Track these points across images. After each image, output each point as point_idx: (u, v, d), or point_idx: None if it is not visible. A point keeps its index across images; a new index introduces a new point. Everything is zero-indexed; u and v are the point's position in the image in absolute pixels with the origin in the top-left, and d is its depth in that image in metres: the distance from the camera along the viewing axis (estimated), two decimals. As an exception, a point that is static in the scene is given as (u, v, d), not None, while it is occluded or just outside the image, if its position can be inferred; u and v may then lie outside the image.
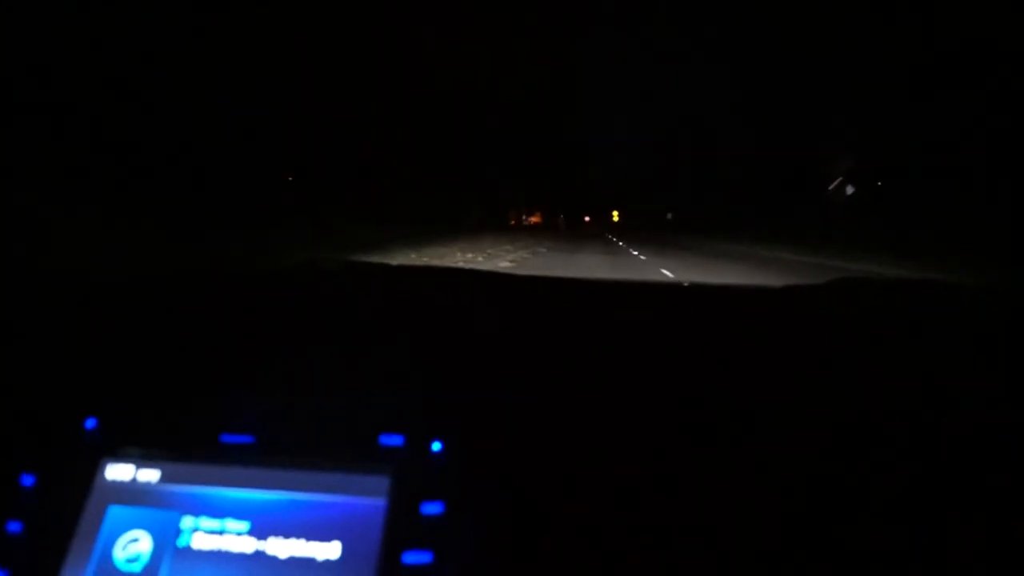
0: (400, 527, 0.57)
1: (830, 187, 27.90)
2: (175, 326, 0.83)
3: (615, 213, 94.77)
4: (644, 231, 55.69)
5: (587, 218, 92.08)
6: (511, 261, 12.42)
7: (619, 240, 31.64)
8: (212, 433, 0.62)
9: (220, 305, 0.93)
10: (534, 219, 67.80)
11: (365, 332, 0.83)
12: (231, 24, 14.77)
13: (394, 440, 0.61)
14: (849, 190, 26.96)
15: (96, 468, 0.61)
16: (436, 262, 9.97)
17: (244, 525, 0.58)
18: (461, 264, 9.69)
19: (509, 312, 0.96)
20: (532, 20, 35.29)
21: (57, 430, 0.63)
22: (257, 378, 0.70)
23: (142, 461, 0.61)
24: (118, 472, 0.61)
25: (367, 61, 20.23)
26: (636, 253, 18.21)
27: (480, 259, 12.32)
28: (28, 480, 0.61)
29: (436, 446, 0.60)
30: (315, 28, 18.01)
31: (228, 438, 0.62)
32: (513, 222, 59.95)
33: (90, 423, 0.63)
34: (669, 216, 66.87)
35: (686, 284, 1.41)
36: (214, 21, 14.34)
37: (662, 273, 10.89)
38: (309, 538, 0.57)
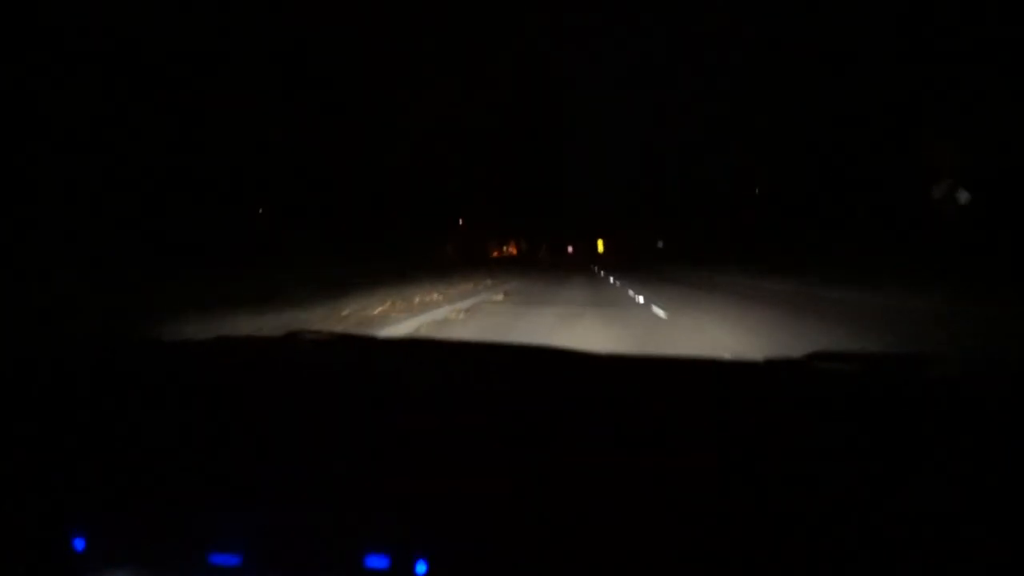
0: None
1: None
2: (158, 427, 0.83)
3: (600, 242, 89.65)
4: (635, 263, 50.41)
5: (570, 248, 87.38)
6: (466, 311, 10.94)
7: (609, 276, 27.51)
8: (200, 553, 0.63)
9: (202, 401, 0.93)
10: (512, 250, 62.16)
11: (350, 427, 0.83)
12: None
13: (379, 561, 0.62)
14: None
15: None
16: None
17: None
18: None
19: (496, 398, 0.98)
20: (509, 38, 33.01)
21: (45, 551, 0.65)
22: (243, 489, 0.71)
23: None
24: None
25: (341, 93, 19.21)
26: (639, 299, 13.58)
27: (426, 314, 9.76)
28: None
29: (421, 567, 0.62)
30: (293, 54, 17.03)
31: (217, 559, 0.63)
32: (496, 253, 56.20)
33: (79, 544, 0.64)
34: (660, 244, 61.87)
35: (673, 358, 1.39)
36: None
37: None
38: None
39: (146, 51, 12.24)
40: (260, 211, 20.28)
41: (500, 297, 14.74)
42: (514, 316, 10.44)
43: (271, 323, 6.93)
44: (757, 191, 37.77)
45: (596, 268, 41.62)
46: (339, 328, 6.74)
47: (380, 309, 9.86)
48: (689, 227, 57.84)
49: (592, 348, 1.36)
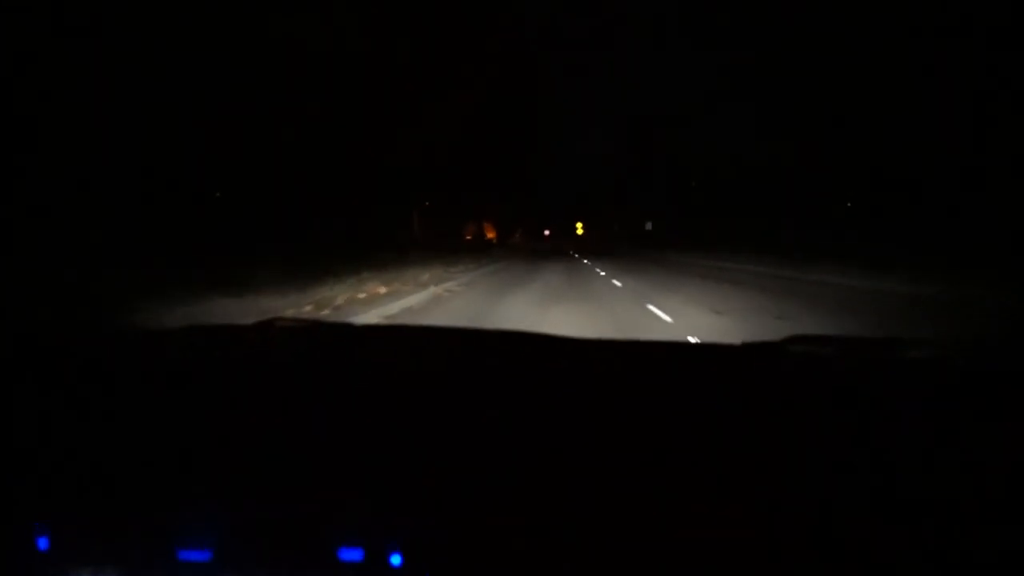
0: None
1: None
2: (124, 420, 0.83)
3: (579, 225, 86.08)
4: (620, 250, 46.71)
5: (547, 232, 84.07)
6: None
7: (595, 265, 22.24)
8: (169, 549, 0.63)
9: (173, 391, 0.94)
10: (490, 234, 58.35)
11: (321, 418, 0.83)
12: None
13: (353, 554, 0.62)
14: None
15: None
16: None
17: None
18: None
19: (473, 385, 0.99)
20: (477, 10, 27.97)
21: (8, 549, 0.64)
22: (213, 484, 0.70)
23: None
24: None
25: (304, 70, 17.36)
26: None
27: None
28: None
29: (396, 559, 0.62)
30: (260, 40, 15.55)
31: (185, 555, 0.62)
32: (469, 237, 51.88)
33: (42, 543, 0.64)
34: (648, 226, 57.81)
35: (652, 343, 1.43)
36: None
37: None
38: None
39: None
40: (217, 195, 19.10)
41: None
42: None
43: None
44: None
45: (575, 254, 38.19)
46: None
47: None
48: (683, 207, 54.55)
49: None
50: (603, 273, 16.22)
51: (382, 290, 11.30)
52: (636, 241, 55.28)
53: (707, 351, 1.43)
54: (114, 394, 0.92)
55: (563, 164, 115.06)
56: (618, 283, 14.45)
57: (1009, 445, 0.74)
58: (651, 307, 9.48)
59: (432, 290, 12.22)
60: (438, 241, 32.14)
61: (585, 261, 24.25)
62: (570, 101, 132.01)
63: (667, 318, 8.31)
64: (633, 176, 68.70)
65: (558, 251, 45.03)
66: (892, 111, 23.57)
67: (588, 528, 0.64)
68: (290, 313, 7.52)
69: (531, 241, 76.43)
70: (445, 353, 1.28)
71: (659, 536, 0.63)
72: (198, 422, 0.82)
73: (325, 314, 8.22)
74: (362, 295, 10.43)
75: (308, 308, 8.47)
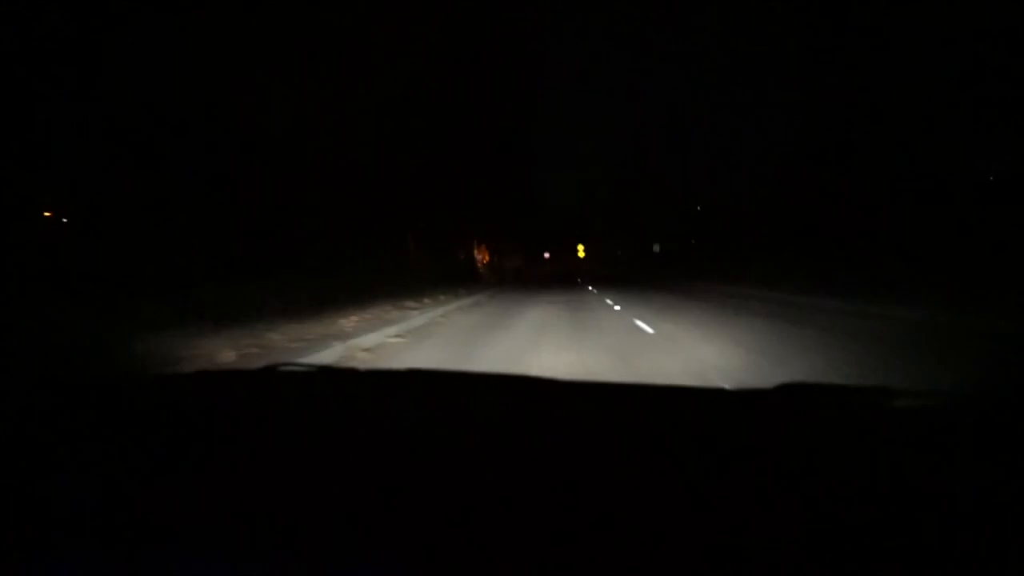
0: None
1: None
2: (138, 466, 0.85)
3: (580, 248, 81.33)
4: (633, 276, 41.79)
5: (547, 255, 79.36)
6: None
7: (622, 306, 16.23)
8: None
9: (182, 439, 0.95)
10: (484, 259, 53.74)
11: (331, 466, 0.85)
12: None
13: None
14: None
15: None
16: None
17: None
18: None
19: (486, 431, 1.01)
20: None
21: None
22: (225, 535, 0.71)
23: None
24: None
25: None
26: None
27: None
28: None
29: None
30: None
31: None
32: (463, 257, 46.52)
33: None
34: (656, 248, 53.01)
35: (644, 385, 1.47)
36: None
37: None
38: None
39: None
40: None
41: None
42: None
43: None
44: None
45: (588, 286, 33.28)
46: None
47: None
48: (697, 229, 49.87)
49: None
50: (650, 330, 9.49)
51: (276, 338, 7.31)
52: (644, 265, 50.26)
53: (698, 396, 1.45)
54: (125, 439, 0.95)
55: (562, 185, 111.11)
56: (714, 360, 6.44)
57: (997, 501, 0.74)
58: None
59: (336, 350, 7.30)
60: (432, 264, 28.77)
61: (607, 300, 17.18)
62: (571, 118, 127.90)
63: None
64: (637, 198, 64.26)
65: (562, 278, 40.15)
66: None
67: (593, 557, 0.65)
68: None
69: (530, 264, 71.86)
70: (454, 397, 1.32)
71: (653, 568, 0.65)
72: (204, 469, 0.84)
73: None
74: (230, 354, 6.49)
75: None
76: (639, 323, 10.42)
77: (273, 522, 0.71)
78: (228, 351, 6.84)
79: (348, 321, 10.28)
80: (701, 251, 45.73)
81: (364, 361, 7.32)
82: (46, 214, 14.40)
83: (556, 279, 37.20)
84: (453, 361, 7.03)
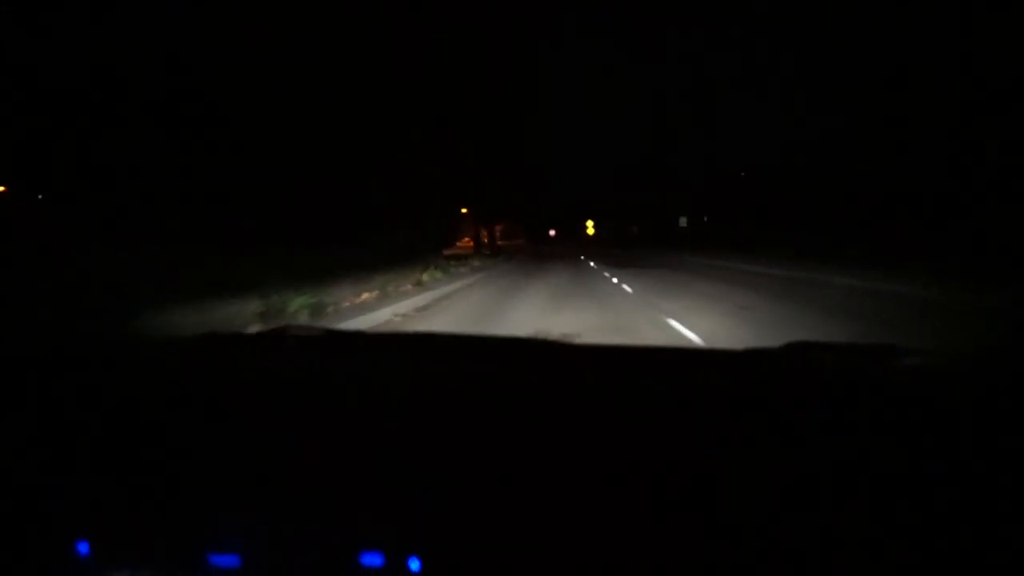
0: None
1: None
2: (155, 429, 0.87)
3: (590, 224, 75.34)
4: (656, 257, 35.68)
5: (552, 232, 73.64)
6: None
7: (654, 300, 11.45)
8: (200, 554, 0.68)
9: (196, 402, 0.98)
10: (466, 241, 48.13)
11: (343, 426, 0.88)
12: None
13: (374, 559, 0.66)
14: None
15: None
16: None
17: None
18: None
19: (490, 393, 1.03)
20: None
21: (50, 554, 0.70)
22: (240, 490, 0.74)
23: None
24: None
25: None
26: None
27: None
28: None
29: (414, 564, 0.65)
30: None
31: (216, 559, 0.67)
32: (469, 241, 44.24)
33: (82, 547, 0.69)
34: (683, 222, 46.74)
35: (653, 348, 1.52)
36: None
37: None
38: None
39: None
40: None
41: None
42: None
43: None
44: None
45: (593, 264, 27.55)
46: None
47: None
48: (725, 202, 43.79)
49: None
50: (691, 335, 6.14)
51: None
52: (665, 241, 44.18)
53: (708, 356, 1.49)
54: (144, 404, 0.97)
55: (570, 156, 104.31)
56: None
57: (1004, 456, 0.74)
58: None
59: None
60: (430, 244, 26.39)
61: (626, 287, 13.37)
62: (582, 85, 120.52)
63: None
64: (657, 168, 58.07)
65: (565, 256, 34.31)
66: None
67: (597, 536, 0.66)
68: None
69: (533, 244, 66.08)
70: (460, 361, 1.33)
71: (663, 545, 0.66)
72: (225, 432, 0.87)
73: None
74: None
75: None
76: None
77: (272, 486, 0.74)
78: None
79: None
80: (738, 226, 39.69)
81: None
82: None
83: (564, 259, 31.56)
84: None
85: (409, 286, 13.54)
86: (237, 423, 0.89)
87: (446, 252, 33.31)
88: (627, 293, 12.35)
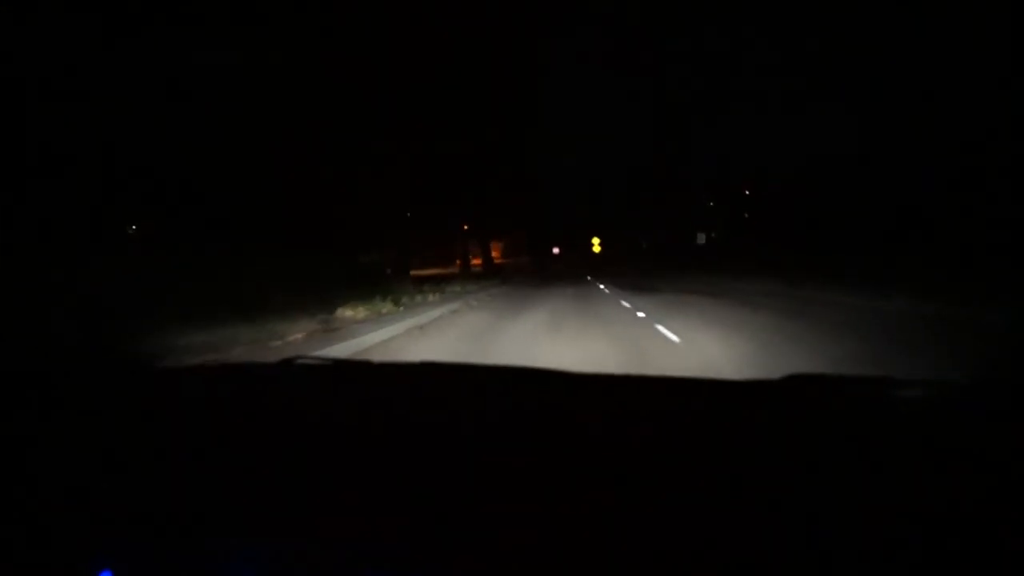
0: None
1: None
2: (171, 458, 0.91)
3: (596, 241, 70.50)
4: (688, 280, 30.93)
5: (556, 250, 68.96)
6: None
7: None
8: None
9: (212, 432, 1.02)
10: (475, 261, 44.07)
11: (351, 451, 0.91)
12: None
13: None
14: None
15: None
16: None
17: None
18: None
19: (501, 423, 1.06)
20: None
21: None
22: (261, 522, 0.76)
23: None
24: None
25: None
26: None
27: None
28: None
29: None
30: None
31: None
32: (476, 259, 40.55)
33: (105, 575, 0.70)
34: (702, 239, 41.44)
35: (655, 378, 1.52)
36: None
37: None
38: None
39: None
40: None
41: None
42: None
43: None
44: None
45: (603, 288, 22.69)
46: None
47: None
48: (742, 216, 38.92)
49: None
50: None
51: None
52: (684, 260, 39.11)
53: (708, 387, 1.43)
54: (160, 433, 1.00)
55: (574, 170, 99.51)
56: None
57: (999, 488, 0.75)
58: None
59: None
60: (424, 265, 27.18)
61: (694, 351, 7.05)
62: (582, 95, 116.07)
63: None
64: (668, 181, 53.32)
65: (569, 277, 29.46)
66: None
67: (601, 565, 0.67)
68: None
69: (536, 262, 61.54)
70: (467, 390, 1.36)
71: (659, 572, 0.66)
72: (237, 461, 0.89)
73: None
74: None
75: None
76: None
77: (286, 512, 0.76)
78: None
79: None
80: (738, 245, 35.05)
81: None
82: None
83: (562, 279, 26.75)
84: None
85: (302, 334, 8.48)
86: (257, 454, 0.91)
87: (423, 273, 28.73)
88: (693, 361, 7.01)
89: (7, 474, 0.88)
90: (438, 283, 19.56)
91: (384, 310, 11.50)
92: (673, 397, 1.28)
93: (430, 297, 15.22)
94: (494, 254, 60.73)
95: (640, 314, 11.36)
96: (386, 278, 15.95)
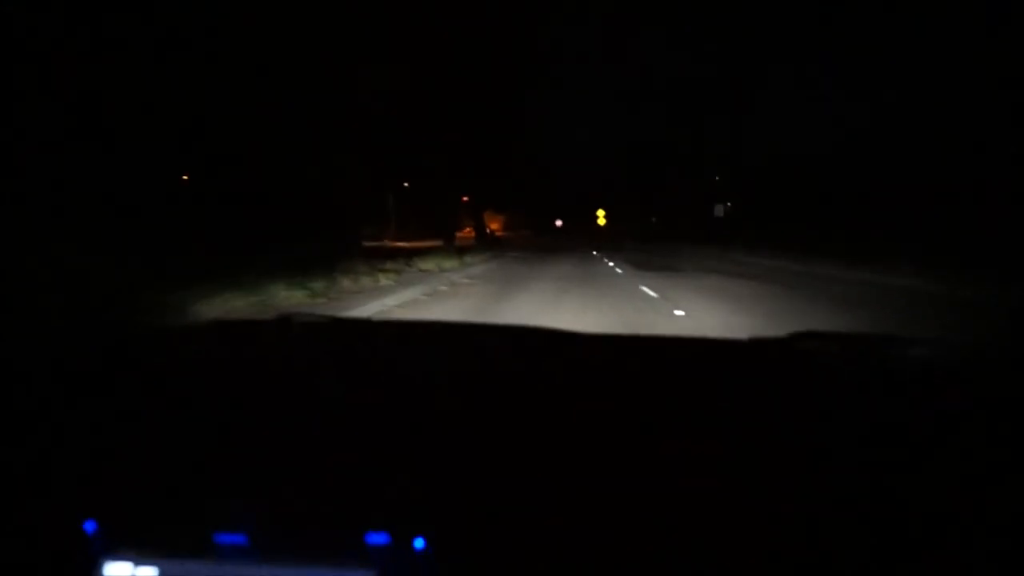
0: None
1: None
2: (163, 413, 0.90)
3: (601, 214, 66.77)
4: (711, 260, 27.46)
5: (559, 223, 65.47)
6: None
7: None
8: (207, 533, 0.68)
9: (205, 386, 1.02)
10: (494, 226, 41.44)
11: (349, 409, 0.91)
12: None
13: (379, 539, 0.66)
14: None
15: (96, 568, 0.68)
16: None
17: None
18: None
19: (494, 379, 1.07)
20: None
21: (58, 532, 0.70)
22: (247, 472, 0.75)
23: (140, 560, 0.68)
24: (117, 571, 0.67)
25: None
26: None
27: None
28: None
29: (419, 543, 0.66)
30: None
31: (222, 538, 0.68)
32: (467, 231, 38.06)
33: (90, 526, 0.69)
34: (719, 211, 35.94)
35: (660, 337, 1.53)
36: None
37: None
38: None
39: None
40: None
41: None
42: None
43: None
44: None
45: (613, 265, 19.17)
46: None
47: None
48: (760, 190, 35.01)
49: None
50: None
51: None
52: (700, 234, 35.25)
53: (714, 346, 1.45)
54: (152, 388, 0.99)
55: (578, 139, 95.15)
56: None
57: (1003, 445, 0.76)
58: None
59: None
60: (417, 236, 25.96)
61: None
62: (590, 63, 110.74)
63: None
64: (677, 151, 49.37)
65: (574, 250, 25.98)
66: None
67: (604, 521, 0.67)
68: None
69: (538, 235, 58.35)
70: (466, 347, 1.35)
71: (666, 532, 0.66)
72: (233, 415, 0.88)
73: None
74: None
75: None
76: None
77: (280, 470, 0.74)
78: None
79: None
80: (758, 218, 31.71)
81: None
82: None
83: (564, 251, 23.34)
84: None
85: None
86: (244, 406, 0.91)
87: (404, 246, 25.70)
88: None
89: None
90: (408, 258, 15.97)
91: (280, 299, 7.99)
92: (683, 355, 1.27)
93: (381, 280, 11.50)
94: (494, 226, 57.74)
95: (678, 311, 7.85)
96: (338, 257, 12.43)
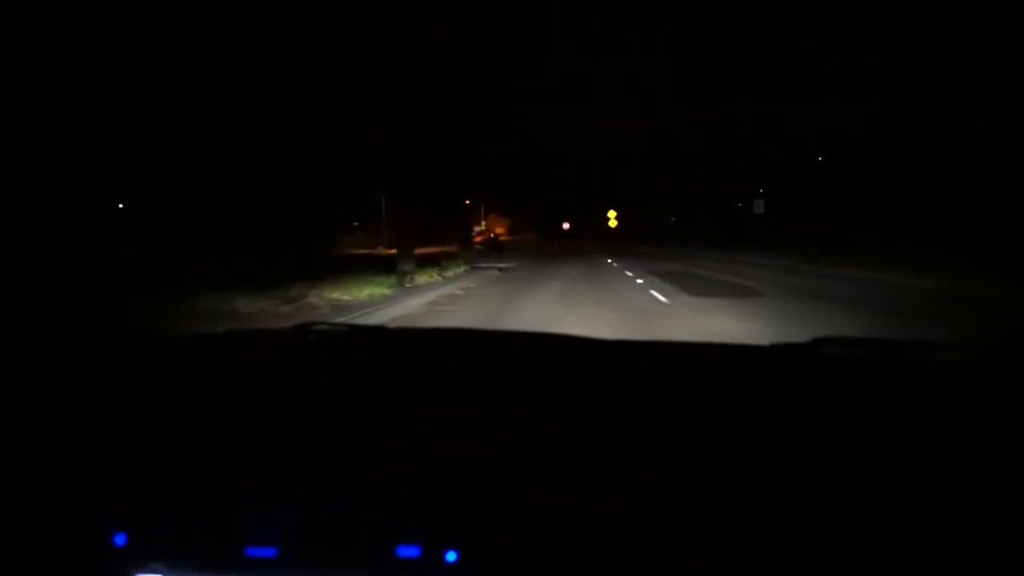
0: None
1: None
2: (192, 424, 0.90)
3: (612, 215, 61.09)
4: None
5: (566, 225, 60.27)
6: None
7: None
8: (237, 546, 0.67)
9: (237, 397, 1.03)
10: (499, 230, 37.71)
11: (378, 420, 0.91)
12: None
13: (411, 551, 0.65)
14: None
15: None
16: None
17: None
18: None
19: (520, 388, 1.06)
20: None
21: (88, 546, 0.70)
22: (277, 484, 0.75)
23: (171, 573, 0.67)
24: None
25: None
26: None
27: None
28: None
29: (451, 556, 0.65)
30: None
31: (252, 551, 0.67)
32: (479, 237, 35.74)
33: (120, 539, 0.69)
34: (760, 208, 30.18)
35: (679, 343, 1.51)
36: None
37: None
38: None
39: None
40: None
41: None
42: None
43: None
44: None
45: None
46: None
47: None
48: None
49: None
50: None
51: None
52: (734, 237, 29.28)
53: (735, 352, 1.43)
54: (186, 402, 0.99)
55: (587, 135, 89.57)
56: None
57: None
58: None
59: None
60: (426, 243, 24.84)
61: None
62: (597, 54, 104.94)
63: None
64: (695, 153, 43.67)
65: (583, 255, 20.39)
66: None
67: (631, 530, 0.67)
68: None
69: (544, 240, 53.25)
70: (488, 355, 1.34)
71: (695, 540, 0.65)
72: (262, 428, 0.88)
73: None
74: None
75: None
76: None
77: (303, 475, 0.75)
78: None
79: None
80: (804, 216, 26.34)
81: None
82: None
83: (571, 259, 17.81)
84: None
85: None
86: (273, 419, 0.91)
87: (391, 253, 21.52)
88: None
89: (25, 438, 0.87)
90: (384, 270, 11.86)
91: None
92: (704, 361, 1.26)
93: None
94: (499, 231, 52.80)
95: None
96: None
